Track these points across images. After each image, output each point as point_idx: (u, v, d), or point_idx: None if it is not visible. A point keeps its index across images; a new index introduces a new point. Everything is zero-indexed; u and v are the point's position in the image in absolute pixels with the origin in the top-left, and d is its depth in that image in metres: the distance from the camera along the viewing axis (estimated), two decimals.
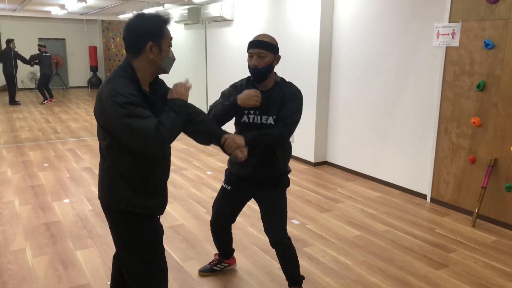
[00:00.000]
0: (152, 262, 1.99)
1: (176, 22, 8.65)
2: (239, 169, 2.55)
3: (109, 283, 2.81)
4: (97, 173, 5.27)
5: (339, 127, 5.55)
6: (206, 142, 2.28)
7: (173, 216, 3.97)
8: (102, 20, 14.88)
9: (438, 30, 4.14)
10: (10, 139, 7.06)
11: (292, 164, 5.80)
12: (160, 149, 1.75)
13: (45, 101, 11.04)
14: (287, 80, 2.52)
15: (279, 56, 2.43)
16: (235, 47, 7.16)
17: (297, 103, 2.44)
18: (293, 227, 3.77)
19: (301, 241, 3.49)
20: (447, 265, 3.16)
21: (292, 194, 4.62)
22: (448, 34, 4.07)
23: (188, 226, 3.75)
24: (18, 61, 10.87)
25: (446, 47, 4.12)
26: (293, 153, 6.04)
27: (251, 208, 4.25)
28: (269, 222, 2.58)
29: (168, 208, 4.14)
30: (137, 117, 1.68)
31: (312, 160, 5.76)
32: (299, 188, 4.81)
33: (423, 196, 4.52)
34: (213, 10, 7.26)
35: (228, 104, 2.35)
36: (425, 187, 4.51)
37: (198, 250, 3.32)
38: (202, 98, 8.38)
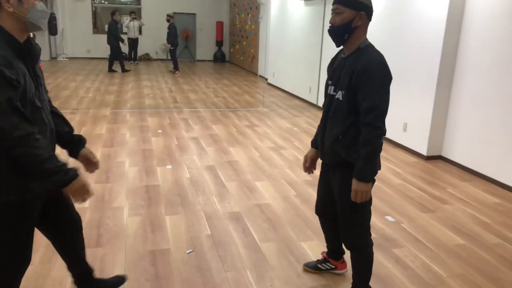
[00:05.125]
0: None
1: None
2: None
3: (188, 252, 2.91)
4: (202, 143, 5.56)
5: (461, 119, 4.90)
6: None
7: (262, 194, 3.94)
8: None
9: None
10: (136, 104, 7.76)
11: (400, 154, 5.34)
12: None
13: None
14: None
15: (364, 15, 2.01)
16: None
17: (375, 83, 1.96)
18: (386, 224, 3.45)
19: (391, 241, 3.18)
20: None
21: (393, 187, 4.24)
22: None
23: (275, 207, 3.69)
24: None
25: None
26: (403, 143, 5.58)
27: None
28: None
29: (258, 185, 4.15)
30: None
31: (424, 153, 5.21)
32: (402, 182, 4.39)
33: None
34: None
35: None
36: None
37: (279, 233, 3.23)
38: (315, 77, 8.16)
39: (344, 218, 2.23)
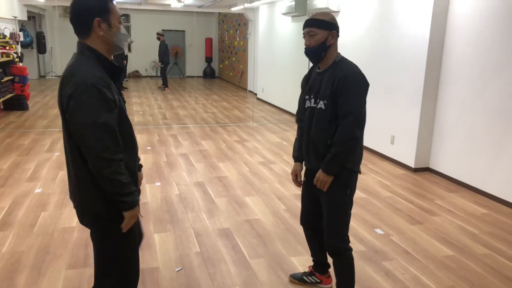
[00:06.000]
0: None
1: (283, 14, 8.60)
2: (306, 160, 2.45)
3: (177, 270, 2.88)
4: (192, 159, 5.55)
5: (447, 131, 4.97)
6: None
7: (251, 209, 3.93)
8: (219, 13, 15.55)
9: None
10: None
11: (388, 167, 5.38)
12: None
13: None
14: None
15: (335, 33, 2.22)
16: (340, 40, 6.84)
17: (354, 91, 2.14)
18: (375, 237, 3.46)
19: (381, 254, 3.18)
20: None
21: (382, 200, 4.26)
22: None
23: (265, 222, 3.68)
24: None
25: None
26: (391, 155, 5.62)
27: None
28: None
29: (248, 200, 4.14)
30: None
31: (412, 165, 5.26)
32: (391, 195, 4.42)
33: None
34: (319, 2, 7.03)
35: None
36: None
37: (269, 249, 3.22)
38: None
39: (328, 220, 2.32)
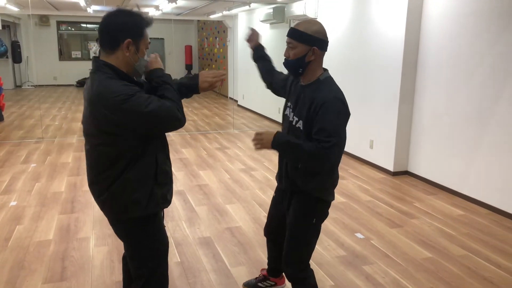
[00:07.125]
0: None
1: (262, 21, 8.65)
2: (277, 177, 2.34)
3: None
4: (172, 167, 5.46)
5: (424, 134, 5.06)
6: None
7: (232, 217, 3.92)
8: (198, 20, 15.54)
9: None
10: None
11: (368, 171, 5.44)
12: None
13: None
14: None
15: (316, 49, 1.96)
16: None
17: (332, 116, 1.88)
18: (356, 241, 3.48)
19: (361, 258, 3.20)
20: None
21: (362, 204, 4.30)
22: None
23: (245, 229, 3.67)
24: None
25: None
26: (370, 160, 5.69)
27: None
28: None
29: (229, 208, 4.13)
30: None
31: (391, 168, 5.33)
32: (371, 199, 4.46)
33: None
34: (296, 9, 7.10)
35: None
36: None
37: (250, 256, 3.21)
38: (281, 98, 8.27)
39: (289, 247, 2.17)
